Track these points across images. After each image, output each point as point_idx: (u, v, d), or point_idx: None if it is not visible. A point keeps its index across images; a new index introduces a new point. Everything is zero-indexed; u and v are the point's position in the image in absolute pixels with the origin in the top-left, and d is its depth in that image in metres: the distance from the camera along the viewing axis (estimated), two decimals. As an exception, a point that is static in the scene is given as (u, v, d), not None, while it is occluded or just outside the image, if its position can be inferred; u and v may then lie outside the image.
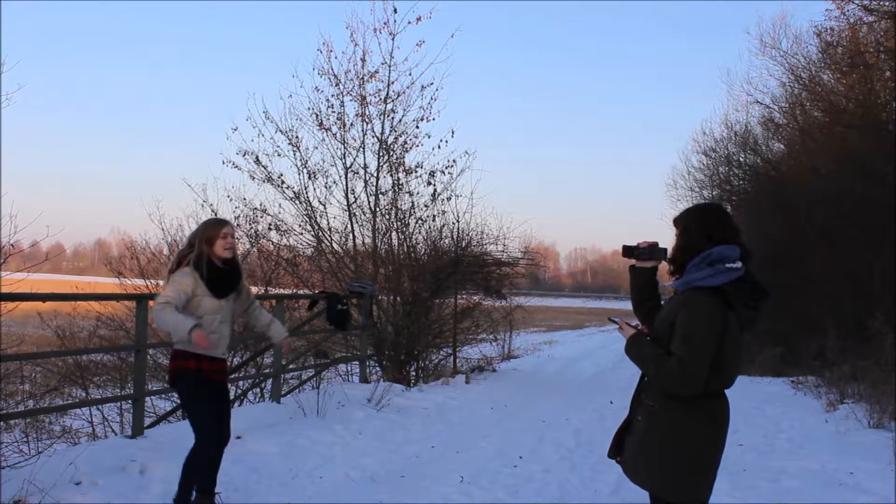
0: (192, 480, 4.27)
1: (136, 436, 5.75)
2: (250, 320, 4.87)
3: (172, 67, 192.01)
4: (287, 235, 11.64)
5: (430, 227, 11.70)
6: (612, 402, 9.10)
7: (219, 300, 4.28)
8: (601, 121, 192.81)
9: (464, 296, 12.75)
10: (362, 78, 11.53)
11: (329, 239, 11.69)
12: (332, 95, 11.49)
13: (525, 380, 12.13)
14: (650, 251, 3.03)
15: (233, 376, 7.95)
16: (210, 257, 4.24)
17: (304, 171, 11.52)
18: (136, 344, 6.02)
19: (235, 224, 9.02)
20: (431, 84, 11.48)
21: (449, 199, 11.71)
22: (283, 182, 11.48)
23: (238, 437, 5.76)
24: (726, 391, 2.82)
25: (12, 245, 6.02)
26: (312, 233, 11.63)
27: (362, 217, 11.71)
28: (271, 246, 11.81)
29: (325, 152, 11.62)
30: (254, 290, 10.20)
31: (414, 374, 11.36)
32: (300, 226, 11.62)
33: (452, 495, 5.09)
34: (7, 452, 5.87)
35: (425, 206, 11.67)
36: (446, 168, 11.58)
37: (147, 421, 6.40)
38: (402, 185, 11.63)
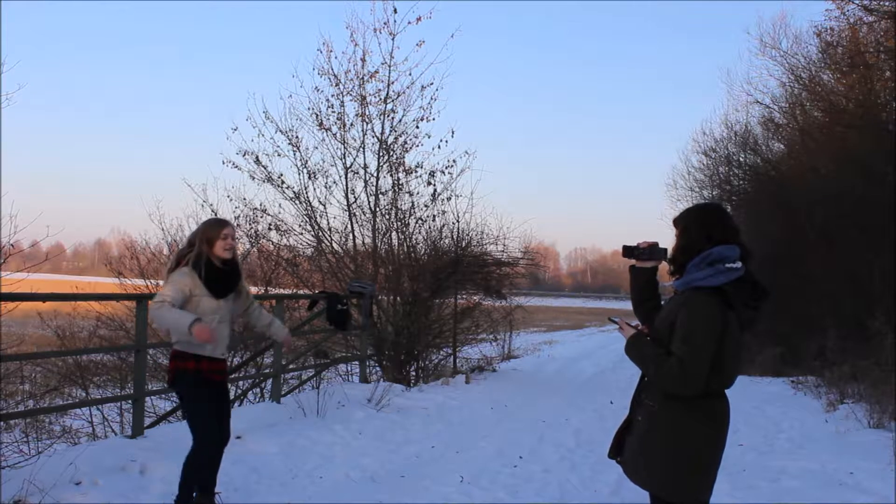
0: (191, 481, 4.27)
1: (136, 436, 5.75)
2: (250, 321, 4.87)
3: (172, 67, 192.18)
4: (287, 235, 11.66)
5: (430, 227, 11.72)
6: (612, 402, 9.10)
7: (217, 300, 4.28)
8: (601, 121, 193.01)
9: (464, 296, 12.75)
10: (362, 78, 11.54)
11: (329, 239, 11.70)
12: (332, 95, 11.51)
13: (525, 380, 12.13)
14: (650, 251, 3.03)
15: (233, 376, 7.95)
16: (209, 257, 4.24)
17: (304, 171, 11.54)
18: (136, 344, 6.02)
19: (235, 224, 9.02)
20: (431, 84, 11.50)
21: (449, 199, 11.73)
22: (283, 182, 11.50)
23: (238, 437, 5.76)
24: (726, 391, 2.82)
25: (12, 245, 6.02)
26: (312, 233, 11.63)
27: (362, 217, 11.72)
28: (271, 246, 11.83)
29: (325, 152, 11.64)
30: (253, 290, 10.24)
31: (414, 374, 11.36)
32: (300, 226, 11.64)
33: (452, 495, 5.09)
34: (7, 452, 5.88)
35: (425, 206, 11.68)
36: (446, 168, 11.60)
37: (147, 421, 6.40)
38: (402, 185, 11.63)
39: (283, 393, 7.98)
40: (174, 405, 7.50)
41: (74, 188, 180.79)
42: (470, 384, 10.74)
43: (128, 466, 5.01)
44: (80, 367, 9.14)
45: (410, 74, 11.49)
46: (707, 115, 35.74)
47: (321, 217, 11.60)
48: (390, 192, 11.64)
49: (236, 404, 8.27)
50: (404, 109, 11.58)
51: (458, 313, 12.53)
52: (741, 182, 22.40)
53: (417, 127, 11.58)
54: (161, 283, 4.87)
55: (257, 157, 11.39)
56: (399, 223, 11.61)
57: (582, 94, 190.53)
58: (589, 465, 6.03)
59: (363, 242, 11.86)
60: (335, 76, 11.48)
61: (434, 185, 11.61)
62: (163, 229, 10.42)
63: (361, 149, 11.64)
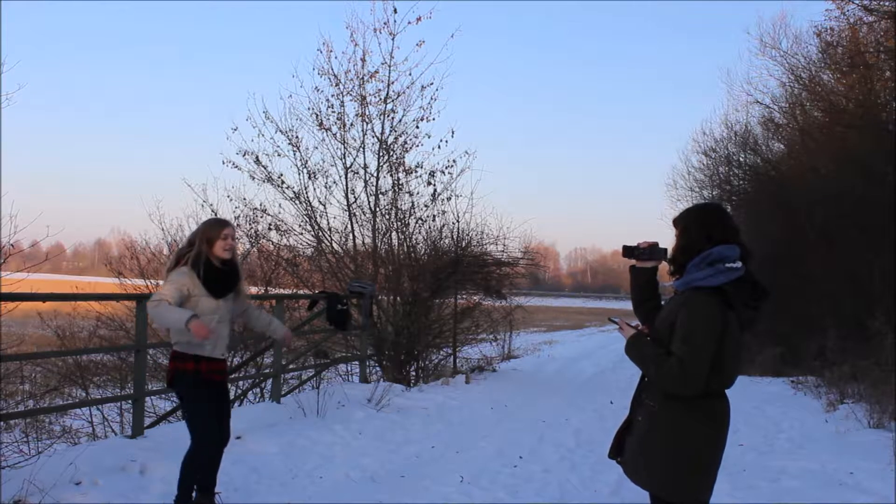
0: (190, 481, 4.26)
1: (136, 436, 5.74)
2: (249, 321, 4.86)
3: (172, 67, 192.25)
4: (287, 235, 11.66)
5: (430, 227, 11.72)
6: (612, 402, 9.10)
7: (217, 300, 4.28)
8: (601, 121, 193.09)
9: (464, 296, 12.75)
10: (362, 78, 11.54)
11: (329, 239, 11.69)
12: (332, 95, 11.51)
13: (525, 380, 12.13)
14: (650, 251, 3.03)
15: (233, 376, 7.95)
16: (208, 257, 4.24)
17: (304, 171, 11.53)
18: (136, 344, 6.02)
19: (235, 224, 9.02)
20: (431, 84, 11.49)
21: (449, 199, 11.72)
22: (283, 182, 11.50)
23: (238, 437, 5.77)
24: (726, 391, 2.82)
25: (12, 245, 6.02)
26: (312, 233, 11.63)
27: (362, 217, 11.72)
28: (271, 246, 11.83)
29: (325, 152, 11.64)
30: (253, 290, 10.26)
31: (414, 374, 11.36)
32: (300, 226, 11.64)
33: (452, 495, 5.09)
34: (7, 452, 5.88)
35: (425, 206, 11.68)
36: (446, 168, 11.60)
37: (147, 421, 6.40)
38: (402, 185, 11.63)
39: (283, 393, 7.97)
40: (174, 405, 7.51)
41: (74, 188, 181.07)
42: (470, 384, 10.73)
43: (128, 466, 5.01)
44: (80, 367, 9.15)
45: (410, 74, 11.51)
46: (707, 115, 35.84)
47: (321, 217, 11.62)
48: (390, 192, 11.64)
49: (236, 404, 8.27)
50: (404, 109, 11.60)
51: (458, 313, 12.53)
52: (741, 182, 22.41)
53: (417, 127, 11.60)
54: (161, 282, 4.87)
55: (257, 157, 11.40)
56: (399, 223, 11.61)
57: (582, 94, 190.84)
58: (589, 465, 6.03)
59: (363, 242, 11.87)
60: (335, 76, 11.50)
61: (434, 185, 11.63)
62: (163, 229, 10.45)
63: (361, 149, 11.65)
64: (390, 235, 11.67)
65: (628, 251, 3.06)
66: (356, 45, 11.49)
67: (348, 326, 8.62)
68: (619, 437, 2.97)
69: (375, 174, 11.62)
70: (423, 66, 11.49)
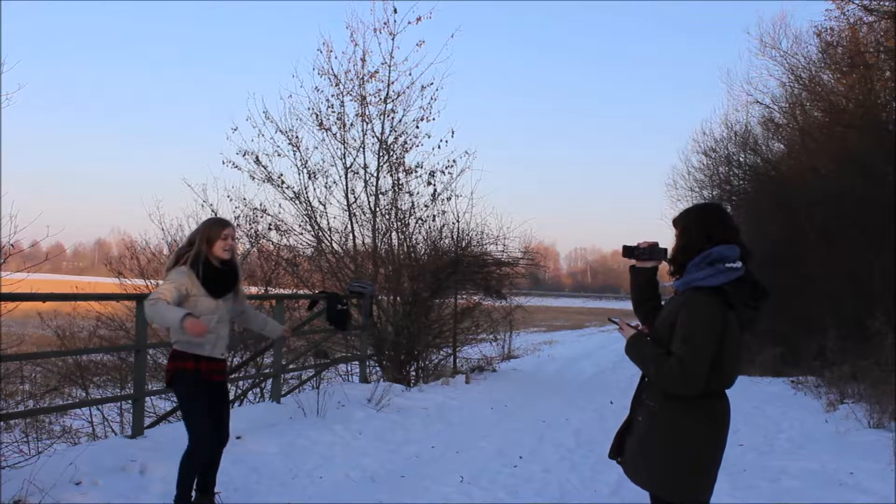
0: (189, 481, 4.26)
1: (136, 436, 5.74)
2: (246, 322, 4.86)
3: (172, 67, 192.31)
4: (287, 235, 11.66)
5: (430, 227, 11.72)
6: (612, 402, 9.10)
7: (215, 300, 4.27)
8: (601, 121, 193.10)
9: (464, 296, 12.76)
10: (362, 78, 11.53)
11: (329, 239, 11.69)
12: (332, 95, 11.51)
13: (525, 380, 12.13)
14: (650, 251, 3.02)
15: (233, 376, 7.95)
16: (208, 257, 4.24)
17: (304, 171, 11.53)
18: (136, 344, 6.02)
19: (235, 224, 9.02)
20: (431, 84, 11.49)
21: (449, 199, 11.72)
22: (283, 182, 11.50)
23: (238, 437, 5.77)
24: (726, 391, 2.82)
25: (12, 245, 6.02)
26: (312, 233, 11.63)
27: (362, 217, 11.72)
28: (271, 246, 11.83)
29: (325, 152, 11.64)
30: (253, 289, 10.26)
31: (414, 374, 11.36)
32: (300, 226, 11.64)
33: (452, 495, 5.09)
34: (7, 452, 5.88)
35: (425, 206, 11.68)
36: (446, 168, 11.60)
37: (147, 421, 6.41)
38: (402, 185, 11.63)
39: (283, 393, 7.97)
40: (174, 405, 7.51)
41: (74, 188, 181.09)
42: (470, 384, 10.73)
43: (128, 466, 5.01)
44: (80, 367, 9.15)
45: (410, 74, 11.51)
46: (707, 115, 35.86)
47: (321, 217, 11.62)
48: (390, 192, 11.64)
49: (236, 404, 8.28)
50: (404, 109, 11.60)
51: (458, 313, 12.53)
52: (741, 182, 22.41)
53: (417, 127, 11.60)
54: (160, 282, 4.87)
55: (257, 157, 11.40)
56: (399, 223, 11.61)
57: (582, 94, 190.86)
58: (589, 465, 6.03)
59: (363, 242, 11.87)
60: (335, 76, 11.50)
61: (434, 185, 11.63)
62: (163, 229, 10.46)
63: (361, 149, 11.65)
64: (390, 235, 11.67)
65: (628, 251, 3.06)
66: (356, 45, 11.51)
67: (348, 326, 8.61)
68: (620, 437, 2.97)
69: (375, 174, 11.63)
70: (423, 66, 11.51)
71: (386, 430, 7.10)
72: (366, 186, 11.67)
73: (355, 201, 11.66)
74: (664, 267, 3.00)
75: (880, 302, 10.67)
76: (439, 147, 11.64)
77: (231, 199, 11.25)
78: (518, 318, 15.13)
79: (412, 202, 11.67)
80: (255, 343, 8.84)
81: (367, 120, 11.56)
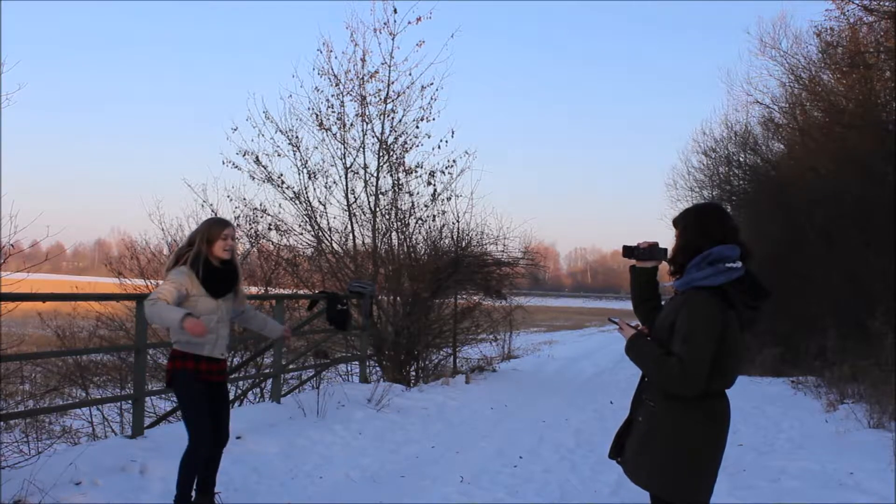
0: (189, 480, 4.26)
1: (136, 436, 5.74)
2: (246, 322, 4.86)
3: (172, 68, 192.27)
4: (287, 235, 11.65)
5: (430, 227, 11.71)
6: (612, 402, 9.10)
7: (215, 300, 4.27)
8: (601, 121, 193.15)
9: (464, 296, 12.76)
10: (362, 78, 11.53)
11: (329, 239, 11.69)
12: (332, 95, 11.49)
13: (525, 380, 12.13)
14: (650, 251, 3.02)
15: (233, 376, 7.95)
16: (208, 257, 4.24)
17: (304, 171, 11.52)
18: (136, 344, 6.02)
19: (235, 224, 9.02)
20: (431, 84, 11.48)
21: (449, 199, 11.72)
22: (283, 182, 11.49)
23: (238, 437, 5.77)
24: (727, 391, 2.81)
25: (12, 245, 6.01)
26: (312, 233, 11.62)
27: (362, 217, 11.71)
28: (271, 246, 11.83)
29: (325, 152, 11.62)
30: (253, 289, 10.26)
31: (414, 374, 11.36)
32: (300, 226, 11.63)
33: (452, 495, 5.09)
34: (7, 452, 5.87)
35: (425, 206, 11.68)
36: (446, 168, 11.60)
37: (147, 421, 6.40)
38: (402, 185, 11.63)
39: (283, 393, 7.97)
40: (174, 405, 7.51)
41: (74, 188, 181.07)
42: (470, 384, 10.73)
43: (128, 466, 5.01)
44: (80, 367, 9.15)
45: (410, 74, 11.50)
46: (707, 115, 35.83)
47: (321, 217, 11.61)
48: (390, 192, 11.64)
49: (236, 404, 8.28)
50: (404, 109, 11.59)
51: (458, 313, 12.53)
52: (741, 182, 22.42)
53: (417, 127, 11.59)
54: (160, 282, 4.87)
55: (257, 157, 11.39)
56: (399, 223, 11.61)
57: (582, 94, 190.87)
58: (589, 465, 6.03)
59: (363, 242, 11.86)
60: (335, 76, 11.48)
61: (434, 185, 11.62)
62: (163, 229, 10.46)
63: (361, 149, 11.64)
64: (390, 235, 11.67)
65: (628, 251, 3.06)
66: (356, 45, 11.49)
67: (348, 326, 8.62)
68: (620, 438, 2.97)
69: (375, 174, 11.62)
70: (423, 66, 11.49)
71: (386, 431, 7.10)
72: (366, 186, 11.67)
73: (355, 201, 11.66)
74: (664, 267, 3.00)
75: (880, 302, 10.66)
76: (439, 147, 11.64)
77: (231, 199, 11.25)
78: (518, 318, 15.13)
79: (412, 202, 11.68)
80: (255, 343, 8.84)
81: (367, 120, 11.56)
